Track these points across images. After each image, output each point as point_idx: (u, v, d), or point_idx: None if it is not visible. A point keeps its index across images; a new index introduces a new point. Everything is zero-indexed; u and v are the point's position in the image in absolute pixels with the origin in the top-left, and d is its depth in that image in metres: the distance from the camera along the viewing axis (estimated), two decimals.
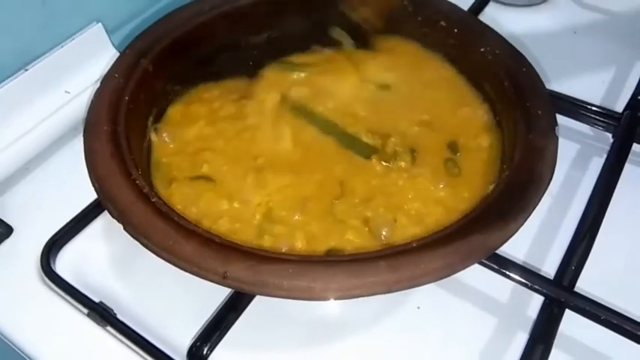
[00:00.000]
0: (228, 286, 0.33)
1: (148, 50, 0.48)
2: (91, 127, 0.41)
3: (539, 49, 0.58)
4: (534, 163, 0.39)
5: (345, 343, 0.41)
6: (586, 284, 0.41)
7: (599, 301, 0.39)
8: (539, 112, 0.42)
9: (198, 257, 0.33)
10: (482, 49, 0.48)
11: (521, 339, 0.41)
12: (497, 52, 0.47)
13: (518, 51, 0.47)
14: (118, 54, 0.56)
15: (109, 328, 0.41)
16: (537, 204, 0.37)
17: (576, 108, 0.52)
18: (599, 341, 0.40)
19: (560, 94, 0.53)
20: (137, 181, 0.38)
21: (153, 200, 0.37)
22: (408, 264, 0.33)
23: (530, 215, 0.36)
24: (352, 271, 0.33)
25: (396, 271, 0.33)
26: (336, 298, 0.32)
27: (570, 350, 0.40)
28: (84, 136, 0.41)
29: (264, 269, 0.33)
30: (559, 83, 0.57)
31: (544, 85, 0.44)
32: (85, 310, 0.42)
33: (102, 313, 0.41)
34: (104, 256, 0.47)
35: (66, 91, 0.56)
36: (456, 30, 0.50)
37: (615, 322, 0.37)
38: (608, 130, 0.53)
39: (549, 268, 0.44)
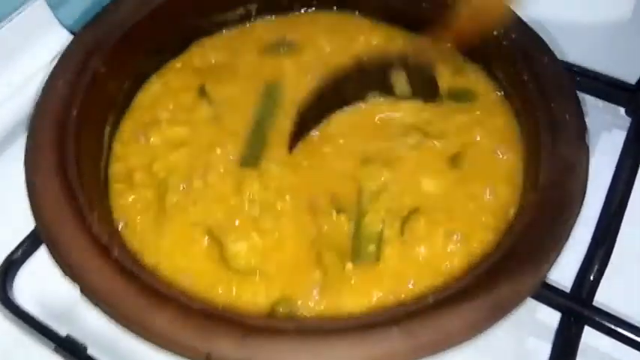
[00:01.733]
0: None
1: (98, 45, 0.39)
2: (32, 155, 0.34)
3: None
4: (565, 184, 0.33)
5: None
6: (604, 297, 0.37)
7: (619, 315, 0.35)
8: (567, 116, 0.35)
9: (174, 332, 0.28)
10: (495, 32, 0.40)
11: (534, 344, 0.37)
12: (513, 37, 0.40)
13: (538, 35, 0.40)
14: (67, 34, 0.49)
15: None
16: (570, 234, 0.32)
17: (586, 79, 0.46)
18: (620, 350, 0.36)
19: (569, 63, 0.46)
20: (93, 229, 0.31)
21: (114, 255, 0.30)
22: (426, 328, 0.28)
23: (562, 251, 0.31)
24: (359, 341, 0.27)
25: (413, 339, 0.27)
26: None
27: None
28: (25, 166, 0.34)
29: (255, 345, 0.27)
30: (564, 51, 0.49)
31: (570, 80, 0.38)
32: (52, 345, 0.36)
33: (70, 349, 0.36)
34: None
35: (6, 84, 0.48)
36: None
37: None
38: (619, 104, 0.47)
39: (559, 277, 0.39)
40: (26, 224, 0.38)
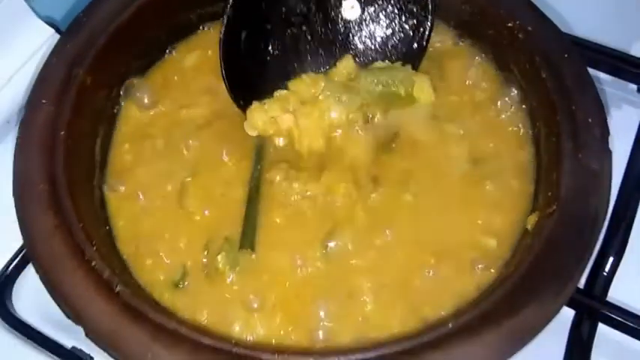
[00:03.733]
0: None
1: (80, 54, 0.37)
2: (22, 186, 0.32)
3: None
4: (587, 196, 0.31)
5: None
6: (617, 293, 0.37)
7: (633, 310, 0.35)
8: (590, 120, 0.33)
9: None
10: (509, 24, 0.38)
11: (544, 351, 0.34)
12: (529, 30, 0.37)
13: (557, 27, 0.37)
14: (42, 24, 0.47)
15: None
16: (592, 252, 0.30)
17: (597, 55, 0.44)
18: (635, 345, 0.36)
19: (578, 37, 0.44)
20: (94, 263, 0.29)
21: (117, 290, 0.29)
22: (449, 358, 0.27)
23: (586, 268, 0.30)
24: None
25: None
26: None
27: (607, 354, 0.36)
28: (15, 198, 0.32)
29: None
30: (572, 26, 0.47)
31: (592, 79, 0.35)
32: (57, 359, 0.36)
33: None
34: None
35: None
36: None
37: None
38: (631, 81, 0.45)
39: None
40: (17, 236, 0.36)
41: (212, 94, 0.41)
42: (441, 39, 0.42)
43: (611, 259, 0.37)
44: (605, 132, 0.33)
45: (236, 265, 0.34)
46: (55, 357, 0.36)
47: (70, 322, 0.36)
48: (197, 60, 0.42)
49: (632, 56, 0.45)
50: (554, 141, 0.34)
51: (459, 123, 0.39)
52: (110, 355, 0.28)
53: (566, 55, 0.36)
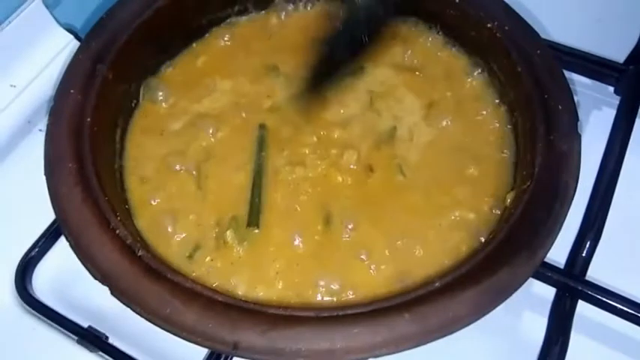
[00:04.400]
0: (240, 357, 0.30)
1: (104, 51, 0.41)
2: (53, 165, 0.35)
3: None
4: (558, 173, 0.35)
5: None
6: (596, 272, 0.39)
7: (613, 290, 0.37)
8: (560, 106, 0.37)
9: (202, 325, 0.30)
10: (488, 25, 0.42)
11: (530, 318, 0.39)
12: (506, 29, 0.41)
13: (531, 27, 0.42)
14: (63, 31, 0.51)
15: (101, 353, 0.38)
16: (563, 222, 0.34)
17: (575, 59, 0.48)
18: (613, 322, 0.38)
19: (557, 43, 0.48)
20: (118, 231, 0.33)
21: (139, 254, 0.32)
22: (435, 312, 0.30)
23: (557, 237, 0.34)
24: (374, 326, 0.30)
25: (424, 322, 0.30)
26: (360, 358, 0.29)
27: (587, 332, 0.39)
28: (46, 176, 0.35)
29: (279, 335, 0.29)
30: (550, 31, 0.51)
31: (562, 72, 0.39)
32: (74, 337, 0.38)
33: (92, 340, 0.38)
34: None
35: (11, 85, 0.49)
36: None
37: (633, 312, 0.36)
38: (607, 83, 0.49)
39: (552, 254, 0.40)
40: (41, 221, 0.41)
41: (223, 91, 0.45)
42: (430, 42, 0.47)
43: (589, 242, 0.39)
44: (574, 117, 0.37)
45: (243, 240, 0.37)
46: (72, 336, 0.38)
47: (85, 305, 0.40)
48: (209, 60, 0.46)
49: (607, 59, 0.48)
50: (529, 127, 0.38)
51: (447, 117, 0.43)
52: (133, 310, 0.31)
53: (538, 51, 0.40)
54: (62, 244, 0.41)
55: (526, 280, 0.32)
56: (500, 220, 0.36)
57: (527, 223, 0.34)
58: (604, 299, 0.37)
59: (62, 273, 0.42)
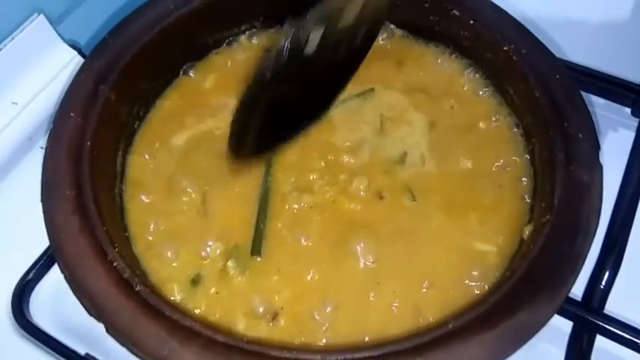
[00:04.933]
0: None
1: (106, 71, 0.39)
2: (50, 191, 0.34)
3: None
4: (580, 205, 0.33)
5: None
6: (615, 305, 0.37)
7: (633, 324, 0.36)
8: (580, 134, 0.36)
9: None
10: (505, 48, 0.40)
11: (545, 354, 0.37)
12: (524, 52, 0.40)
13: (548, 50, 0.40)
14: (67, 47, 0.50)
15: None
16: (586, 258, 0.32)
17: (590, 79, 0.46)
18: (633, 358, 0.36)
19: (573, 63, 0.46)
20: (115, 264, 0.31)
21: (137, 289, 0.31)
22: (449, 358, 0.28)
23: (579, 273, 0.32)
24: None
25: None
26: None
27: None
28: (42, 203, 0.34)
29: None
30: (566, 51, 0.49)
31: (582, 98, 0.38)
32: None
33: None
34: None
35: (13, 102, 0.49)
36: (471, 21, 0.42)
37: None
38: (624, 104, 0.47)
39: None
40: (39, 243, 0.38)
41: (227, 111, 0.43)
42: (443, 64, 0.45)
43: (607, 273, 0.37)
44: (595, 146, 0.35)
45: (245, 269, 0.36)
46: None
47: (83, 330, 0.39)
48: (214, 81, 0.45)
49: (624, 80, 0.47)
50: (548, 155, 0.36)
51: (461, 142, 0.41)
52: (129, 349, 0.29)
53: (557, 76, 0.38)
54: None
55: (547, 321, 0.30)
56: (517, 255, 0.34)
57: (548, 259, 0.32)
58: (623, 334, 0.35)
59: (60, 297, 0.40)
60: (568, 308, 0.36)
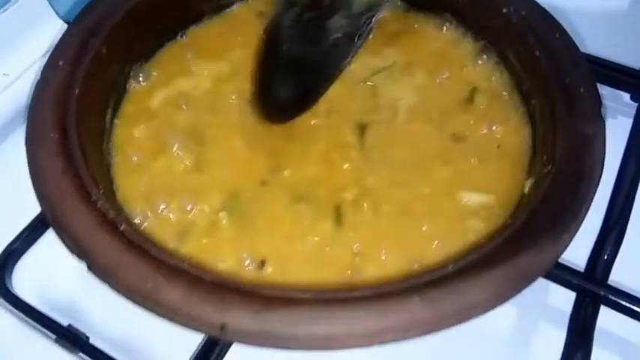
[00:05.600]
0: (228, 340, 0.26)
1: (98, 26, 0.39)
2: (33, 135, 0.33)
3: None
4: (582, 157, 0.32)
5: None
6: (618, 275, 0.36)
7: (635, 294, 0.34)
8: (582, 89, 0.35)
9: (186, 304, 0.26)
10: (504, 10, 0.40)
11: (546, 330, 0.36)
12: (523, 14, 0.39)
13: (547, 12, 0.40)
14: (62, 24, 0.50)
15: (81, 354, 0.35)
16: (589, 206, 0.31)
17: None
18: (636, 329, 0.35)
19: None
20: (99, 204, 0.30)
21: (121, 229, 0.29)
22: (449, 297, 0.27)
23: (583, 221, 0.31)
24: (380, 310, 0.26)
25: (436, 307, 0.26)
26: (363, 346, 0.26)
27: (608, 345, 0.35)
28: (26, 146, 0.33)
29: (272, 316, 0.26)
30: None
31: (583, 56, 0.37)
32: (53, 336, 0.35)
33: (72, 339, 0.35)
34: (69, 268, 0.36)
35: (4, 74, 0.48)
36: None
37: None
38: (624, 89, 0.47)
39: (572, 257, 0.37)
40: (26, 214, 0.38)
41: (218, 78, 0.42)
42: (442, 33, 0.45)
43: (610, 244, 0.37)
44: (597, 100, 0.35)
45: (237, 219, 0.34)
46: (51, 334, 0.35)
47: (67, 304, 0.38)
48: (208, 46, 0.44)
49: (622, 65, 0.46)
50: (549, 112, 0.35)
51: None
52: (111, 286, 0.28)
53: (557, 35, 0.38)
54: (46, 241, 0.39)
55: (550, 266, 0.29)
56: (518, 206, 0.33)
57: (550, 206, 0.31)
58: (628, 304, 0.34)
59: (45, 271, 0.39)
60: (571, 279, 0.35)
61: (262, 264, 0.32)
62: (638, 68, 0.46)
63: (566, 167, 0.32)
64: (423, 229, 0.34)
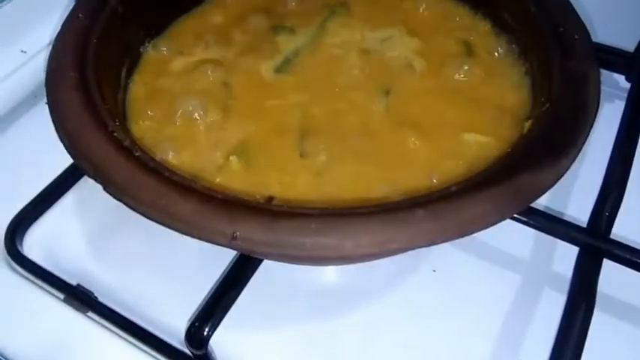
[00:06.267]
0: (238, 249, 0.27)
1: None
2: (54, 74, 0.34)
3: None
4: (578, 93, 0.34)
5: (358, 314, 0.36)
6: (620, 230, 0.36)
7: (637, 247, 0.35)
8: (576, 36, 0.36)
9: (199, 217, 0.27)
10: None
11: (549, 296, 0.37)
12: None
13: None
14: None
15: (90, 313, 0.36)
16: (587, 137, 0.32)
17: None
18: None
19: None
20: (115, 134, 0.31)
21: (137, 154, 0.30)
22: (451, 210, 0.28)
23: (581, 149, 0.32)
24: (386, 222, 0.27)
25: (439, 219, 0.27)
26: (370, 255, 0.27)
27: (608, 308, 0.36)
28: (46, 85, 0.34)
29: (281, 226, 0.27)
30: None
31: (574, 8, 0.39)
32: (61, 295, 0.37)
33: (81, 297, 0.36)
34: (78, 233, 0.41)
35: (22, 50, 0.50)
36: None
37: None
38: (618, 71, 0.48)
39: (574, 213, 0.41)
40: (39, 185, 0.40)
41: (235, 44, 0.44)
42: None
43: (612, 199, 0.37)
44: (591, 46, 0.36)
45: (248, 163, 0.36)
46: (59, 294, 0.37)
47: (74, 266, 0.39)
48: (223, 17, 0.46)
49: (616, 48, 0.47)
50: (545, 59, 0.37)
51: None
52: (126, 203, 0.29)
53: None
54: (57, 210, 0.41)
55: (550, 186, 0.30)
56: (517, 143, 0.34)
57: (549, 137, 0.32)
58: (631, 257, 0.35)
59: (54, 237, 0.41)
60: (573, 235, 0.35)
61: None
62: (632, 51, 0.47)
63: (564, 104, 0.33)
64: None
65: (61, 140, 0.31)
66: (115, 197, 0.29)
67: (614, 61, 0.47)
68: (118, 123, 0.32)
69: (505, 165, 0.30)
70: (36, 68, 0.50)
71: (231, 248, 0.27)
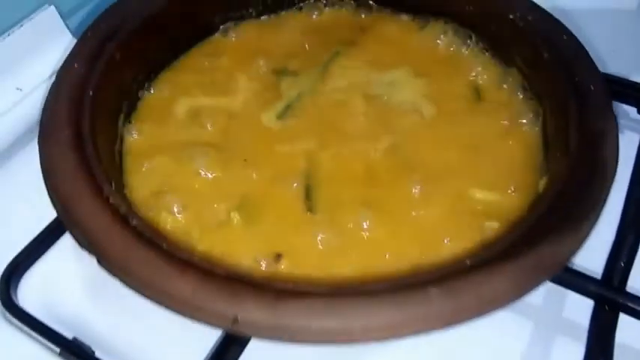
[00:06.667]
0: (240, 333, 0.25)
1: (113, 32, 0.39)
2: (47, 130, 0.33)
3: None
4: (596, 151, 0.32)
5: None
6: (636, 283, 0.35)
7: None
8: (592, 87, 0.35)
9: (198, 297, 0.26)
10: (510, 16, 0.40)
11: (563, 343, 0.35)
12: (529, 19, 0.40)
13: (552, 15, 0.40)
14: (75, 40, 0.48)
15: None
16: (607, 198, 0.31)
17: None
18: None
19: None
20: (111, 200, 0.30)
21: (133, 224, 0.29)
22: (466, 289, 0.26)
23: (601, 212, 0.30)
24: (396, 302, 0.26)
25: (453, 299, 0.26)
26: (379, 340, 0.25)
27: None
28: (39, 142, 0.33)
29: (286, 308, 0.25)
30: None
31: (589, 55, 0.37)
32: (57, 349, 0.35)
33: (77, 352, 0.34)
34: (76, 281, 0.39)
35: (17, 88, 0.49)
36: None
37: None
38: (629, 103, 0.46)
39: (587, 260, 0.37)
40: (33, 228, 0.38)
41: (237, 89, 0.43)
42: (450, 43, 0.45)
43: (626, 250, 0.35)
44: (608, 97, 0.35)
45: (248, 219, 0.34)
46: (55, 347, 0.35)
47: (72, 317, 0.37)
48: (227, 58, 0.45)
49: (627, 79, 0.46)
50: (560, 109, 0.35)
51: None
52: (122, 280, 0.27)
53: (564, 37, 0.38)
54: (52, 255, 0.39)
55: (571, 256, 0.28)
56: (533, 205, 0.33)
57: (567, 199, 0.30)
58: None
59: (50, 285, 0.39)
60: (588, 287, 0.34)
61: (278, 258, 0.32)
62: None
63: (581, 162, 0.32)
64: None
65: (54, 205, 0.30)
66: (109, 273, 0.27)
67: (625, 93, 0.46)
68: (113, 186, 0.31)
69: (522, 233, 0.29)
70: (33, 104, 0.48)
71: (232, 332, 0.25)
